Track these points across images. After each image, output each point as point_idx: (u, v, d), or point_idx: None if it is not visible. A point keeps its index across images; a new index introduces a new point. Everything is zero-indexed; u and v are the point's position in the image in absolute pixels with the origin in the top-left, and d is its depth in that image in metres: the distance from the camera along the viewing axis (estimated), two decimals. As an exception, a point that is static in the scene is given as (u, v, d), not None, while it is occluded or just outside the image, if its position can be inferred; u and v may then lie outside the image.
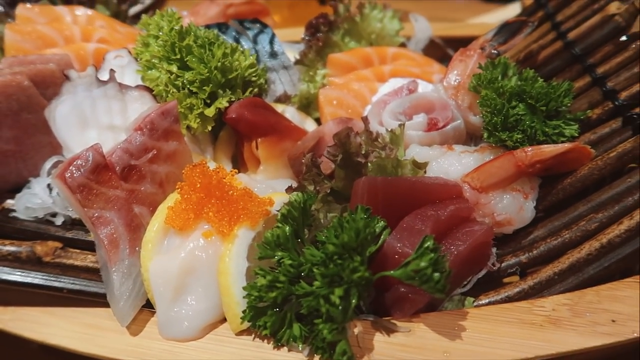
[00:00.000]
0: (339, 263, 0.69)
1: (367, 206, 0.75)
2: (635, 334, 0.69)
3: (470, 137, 1.05)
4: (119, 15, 1.20)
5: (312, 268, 0.70)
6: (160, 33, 0.99)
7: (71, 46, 1.05)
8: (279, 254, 0.73)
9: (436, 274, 0.66)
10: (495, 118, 0.89)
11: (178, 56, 0.94)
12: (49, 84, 0.94)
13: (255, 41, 1.14)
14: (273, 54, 1.14)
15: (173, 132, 0.87)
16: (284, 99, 1.12)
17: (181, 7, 1.28)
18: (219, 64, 0.94)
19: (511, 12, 1.99)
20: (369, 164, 0.85)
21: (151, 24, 1.01)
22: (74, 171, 0.77)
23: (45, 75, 0.93)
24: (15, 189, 0.92)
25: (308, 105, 1.15)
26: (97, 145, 0.80)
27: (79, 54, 1.04)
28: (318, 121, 1.14)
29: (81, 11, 1.12)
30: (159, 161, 0.84)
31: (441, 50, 1.41)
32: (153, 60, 0.97)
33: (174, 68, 0.95)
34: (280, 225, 0.75)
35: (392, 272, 0.69)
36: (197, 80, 0.93)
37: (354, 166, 0.86)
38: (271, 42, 1.15)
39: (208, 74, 0.93)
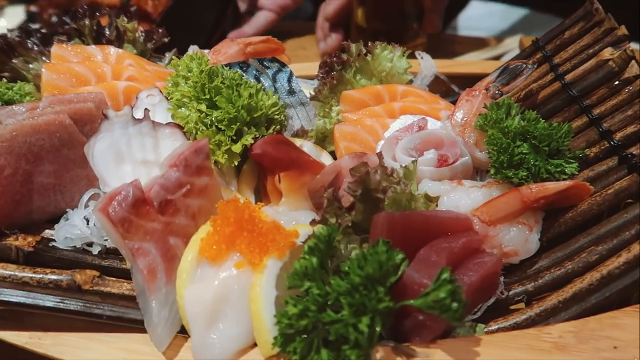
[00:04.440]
0: (364, 293, 0.75)
1: (387, 239, 0.81)
2: (635, 359, 0.76)
3: (476, 171, 1.13)
4: (145, 53, 1.27)
5: (338, 297, 0.76)
6: (190, 74, 1.06)
7: (104, 84, 1.12)
8: (307, 284, 0.79)
9: (454, 304, 0.73)
10: (501, 157, 0.97)
11: (207, 96, 1.02)
12: (87, 121, 1.00)
13: (274, 79, 1.22)
14: (291, 92, 1.21)
15: (205, 168, 0.93)
16: (301, 133, 1.19)
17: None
18: (245, 103, 1.02)
19: (507, 47, 2.10)
20: (386, 199, 0.92)
21: (180, 65, 1.08)
22: (116, 206, 0.83)
23: (83, 113, 1.00)
24: (52, 219, 0.98)
25: (323, 139, 1.22)
26: (137, 182, 0.86)
27: (111, 92, 1.11)
28: (333, 154, 1.21)
29: (111, 50, 1.19)
30: (192, 195, 0.90)
31: (445, 85, 1.50)
32: (183, 99, 1.04)
33: (203, 107, 1.02)
34: (307, 256, 0.81)
35: (413, 301, 0.75)
36: (225, 119, 1.00)
37: (372, 200, 0.92)
38: (289, 80, 1.23)
39: (235, 113, 1.00)
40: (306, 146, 1.17)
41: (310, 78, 1.47)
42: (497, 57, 2.04)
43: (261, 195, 1.08)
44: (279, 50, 1.41)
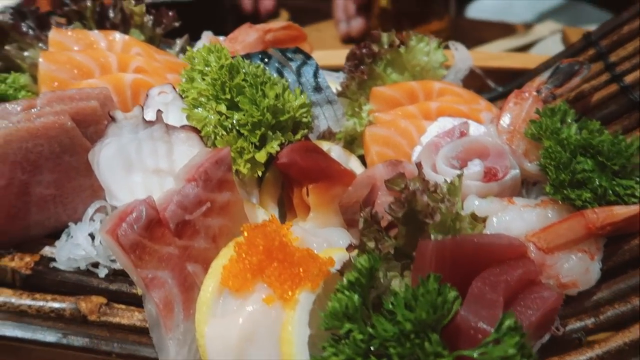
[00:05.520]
0: (417, 342, 0.65)
1: (438, 274, 0.71)
2: None
3: (522, 183, 1.02)
4: (154, 39, 1.14)
5: (385, 344, 0.66)
6: (207, 68, 0.94)
7: (109, 77, 1.00)
8: (348, 325, 0.69)
9: (523, 360, 0.63)
10: (561, 174, 0.85)
11: (228, 96, 0.90)
12: (90, 122, 0.88)
13: (298, 73, 1.09)
14: (317, 88, 1.09)
15: (226, 182, 0.82)
16: (328, 135, 1.08)
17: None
18: (271, 104, 0.89)
19: (537, 34, 1.95)
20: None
21: (197, 57, 0.95)
22: (127, 228, 0.72)
23: (86, 113, 0.88)
24: (52, 234, 0.87)
25: (352, 141, 1.11)
26: (150, 199, 0.75)
27: (117, 86, 0.99)
28: (361, 158, 1.10)
29: (116, 36, 1.06)
30: (212, 214, 0.79)
31: (480, 81, 1.37)
32: (200, 98, 0.91)
33: (223, 108, 0.90)
34: (347, 292, 0.71)
35: (474, 354, 0.65)
36: (248, 123, 0.88)
37: (417, 223, 0.81)
38: (315, 74, 1.10)
39: (260, 117, 0.88)
40: (334, 151, 1.05)
41: (332, 69, 1.34)
42: (527, 47, 1.90)
43: (285, 207, 0.97)
44: (300, 38, 1.28)
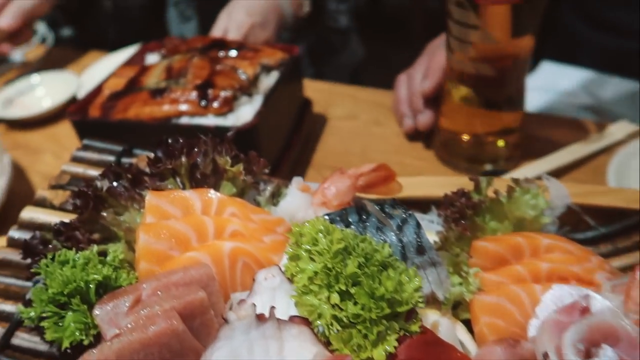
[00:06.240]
0: None
1: None
2: None
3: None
4: (245, 190, 1.10)
5: None
6: (315, 246, 0.88)
7: (207, 247, 0.95)
8: None
9: None
10: None
11: (342, 286, 0.83)
12: (197, 315, 0.83)
13: (399, 231, 1.03)
14: (420, 249, 1.02)
15: (350, 398, 0.75)
16: (432, 300, 1.00)
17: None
18: (389, 296, 0.83)
19: (612, 137, 1.87)
20: None
21: (304, 235, 0.90)
22: None
23: (194, 306, 0.82)
24: None
25: (456, 306, 1.03)
26: None
27: (215, 256, 0.94)
28: (465, 322, 1.02)
29: (212, 195, 1.02)
30: None
31: (575, 217, 1.30)
32: (310, 285, 0.86)
33: (337, 298, 0.84)
34: None
35: None
36: (366, 320, 0.81)
37: None
38: (417, 233, 1.04)
39: (378, 312, 0.82)
40: (443, 325, 0.98)
41: (415, 201, 1.28)
42: (602, 150, 1.83)
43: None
44: (390, 178, 1.23)
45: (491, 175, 1.63)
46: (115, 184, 1.00)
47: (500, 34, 1.48)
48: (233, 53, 1.81)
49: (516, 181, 1.11)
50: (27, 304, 0.88)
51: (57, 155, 2.10)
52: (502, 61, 1.55)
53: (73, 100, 2.27)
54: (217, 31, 2.17)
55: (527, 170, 1.69)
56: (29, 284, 0.97)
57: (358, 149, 1.96)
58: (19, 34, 2.35)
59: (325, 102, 2.16)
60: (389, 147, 1.96)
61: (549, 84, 2.45)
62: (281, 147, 1.78)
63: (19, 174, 1.95)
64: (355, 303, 0.83)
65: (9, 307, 0.92)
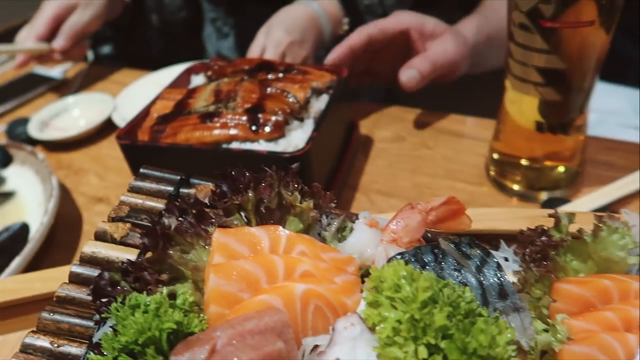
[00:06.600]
0: None
1: None
2: None
3: None
4: (310, 228, 1.05)
5: None
6: (397, 293, 0.82)
7: (278, 289, 0.90)
8: None
9: None
10: None
11: (431, 340, 0.77)
12: (275, 367, 0.77)
13: (478, 272, 0.97)
14: (502, 293, 0.95)
15: None
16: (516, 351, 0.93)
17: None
18: (482, 353, 0.76)
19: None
20: None
21: (385, 280, 0.84)
22: None
23: (272, 358, 0.77)
24: None
25: (542, 354, 0.96)
26: None
27: (287, 300, 0.89)
28: (551, 373, 0.94)
29: (280, 233, 0.97)
30: None
31: (656, 253, 1.21)
32: (395, 337, 0.79)
33: (424, 352, 0.77)
34: None
35: None
36: (459, 378, 0.75)
37: None
38: (497, 274, 0.97)
39: (471, 368, 0.75)
40: (531, 378, 0.91)
41: (488, 234, 1.22)
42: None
43: None
44: (460, 212, 1.16)
45: (555, 204, 1.55)
46: (181, 219, 0.96)
47: (567, 57, 1.41)
48: (281, 75, 1.77)
49: (600, 218, 1.03)
50: (95, 347, 0.84)
51: (100, 176, 2.09)
52: (568, 84, 1.48)
53: (109, 121, 2.27)
54: (255, 48, 2.13)
55: (591, 199, 1.60)
56: (91, 323, 0.93)
57: (406, 173, 1.90)
58: (72, 50, 2.39)
59: (371, 124, 2.11)
60: (438, 171, 1.89)
61: (598, 104, 2.36)
62: (329, 171, 1.73)
63: (64, 195, 1.95)
64: (445, 358, 0.77)
65: (74, 349, 0.88)
